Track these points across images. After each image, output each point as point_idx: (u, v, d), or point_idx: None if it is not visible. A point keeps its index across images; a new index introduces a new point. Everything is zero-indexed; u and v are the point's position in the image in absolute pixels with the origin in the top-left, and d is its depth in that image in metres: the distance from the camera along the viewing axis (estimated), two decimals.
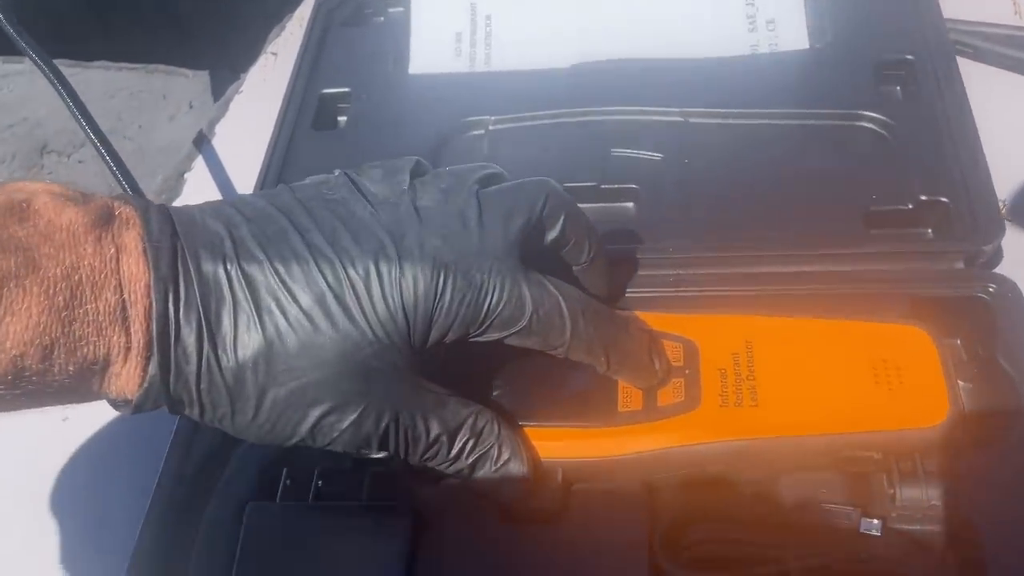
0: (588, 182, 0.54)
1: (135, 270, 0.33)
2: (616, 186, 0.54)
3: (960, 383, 0.42)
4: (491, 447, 0.39)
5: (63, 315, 0.31)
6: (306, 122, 0.61)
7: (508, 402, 0.41)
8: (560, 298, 0.38)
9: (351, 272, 0.35)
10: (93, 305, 0.32)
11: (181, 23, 0.91)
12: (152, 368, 0.33)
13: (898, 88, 0.58)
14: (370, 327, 0.35)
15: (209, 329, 0.34)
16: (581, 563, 0.39)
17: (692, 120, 0.57)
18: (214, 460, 0.45)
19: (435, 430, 0.38)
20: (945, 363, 0.40)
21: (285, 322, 0.34)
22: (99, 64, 0.81)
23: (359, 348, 0.35)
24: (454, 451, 0.38)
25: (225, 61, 0.82)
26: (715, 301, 0.46)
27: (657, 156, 0.55)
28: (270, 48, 0.71)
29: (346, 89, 0.63)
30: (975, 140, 0.52)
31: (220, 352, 0.34)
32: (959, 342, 0.45)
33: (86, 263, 0.32)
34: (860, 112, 0.55)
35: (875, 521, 0.38)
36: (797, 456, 0.39)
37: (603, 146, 0.56)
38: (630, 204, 0.54)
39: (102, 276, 0.32)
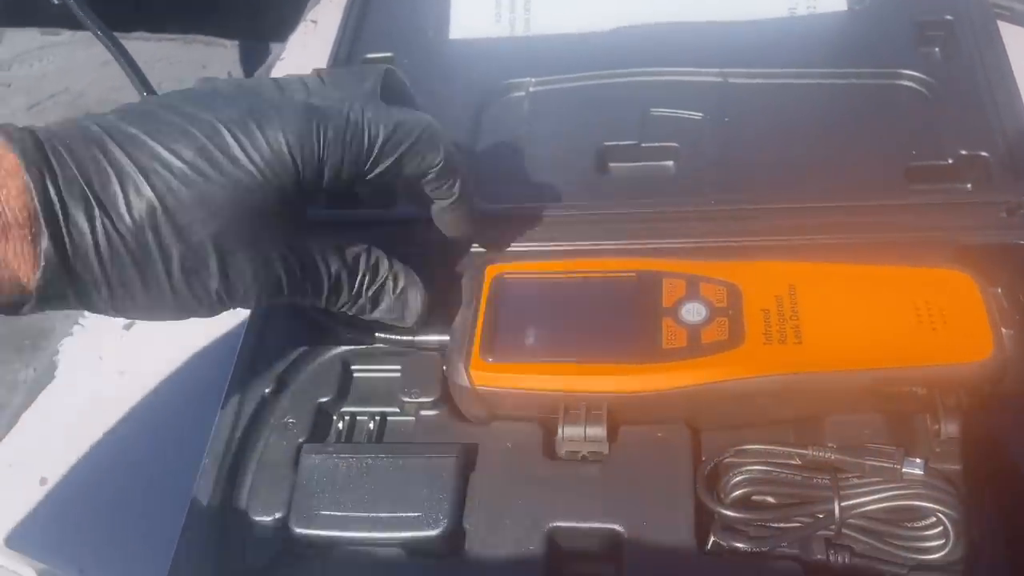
0: (628, 141, 0.55)
1: (4, 164, 0.34)
2: (657, 145, 0.55)
3: (1003, 330, 0.42)
4: (386, 278, 0.43)
5: None
6: None
7: (559, 341, 0.43)
8: (430, 118, 0.41)
9: (229, 124, 0.37)
10: None
11: None
12: (44, 244, 0.34)
13: (937, 49, 0.58)
14: (257, 169, 0.37)
15: (97, 199, 0.35)
16: (626, 500, 0.40)
17: (731, 80, 0.57)
18: (268, 406, 0.46)
19: (334, 265, 0.41)
20: (989, 305, 0.40)
21: (172, 177, 0.36)
22: (138, 35, 0.82)
23: (251, 191, 0.37)
24: (355, 287, 0.42)
25: (260, 31, 0.83)
26: (758, 253, 0.47)
27: (697, 115, 0.56)
28: (309, 16, 0.72)
29: (388, 54, 0.64)
30: (1015, 96, 0.52)
31: (114, 218, 0.35)
32: (1000, 291, 0.45)
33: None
34: (900, 71, 0.56)
35: (918, 460, 0.38)
36: (841, 392, 0.40)
37: (643, 106, 0.57)
38: (670, 162, 0.55)
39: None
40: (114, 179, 0.35)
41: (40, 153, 0.34)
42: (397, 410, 0.46)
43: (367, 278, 0.42)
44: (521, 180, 0.54)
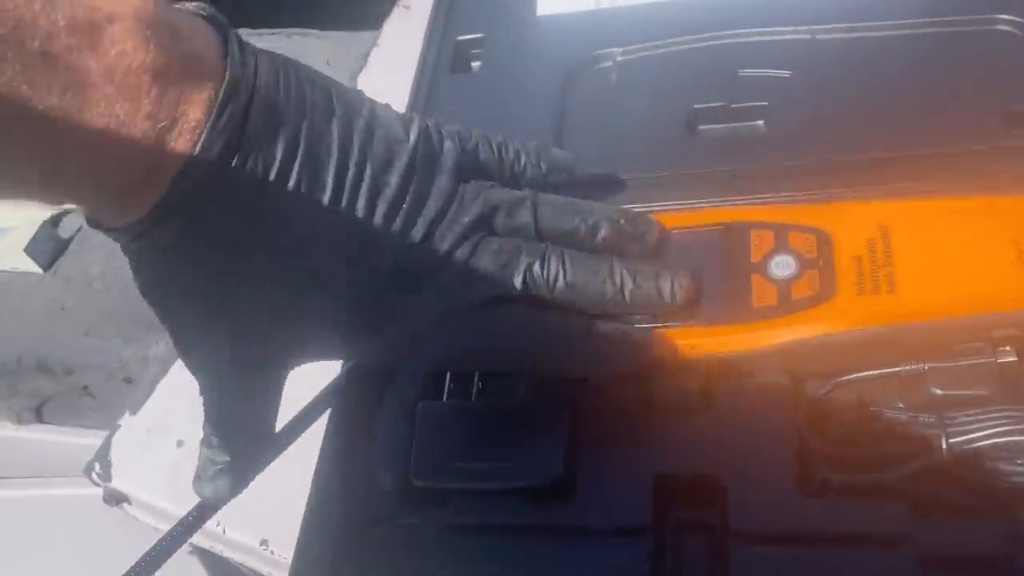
0: (718, 103, 0.56)
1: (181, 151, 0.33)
2: (746, 105, 0.56)
3: None
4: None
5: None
6: (444, 68, 0.64)
7: None
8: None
9: None
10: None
11: None
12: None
13: None
14: None
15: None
16: (728, 447, 0.41)
17: (819, 37, 0.57)
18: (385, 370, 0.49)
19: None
20: None
21: None
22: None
23: None
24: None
25: (355, 20, 0.86)
26: (849, 197, 0.47)
27: (786, 74, 0.56)
28: (402, 3, 0.75)
29: (479, 35, 0.66)
30: None
31: (315, 186, 0.37)
32: None
33: (138, 123, 0.32)
34: (995, 16, 0.55)
35: (1008, 348, 0.39)
36: (939, 341, 0.40)
37: (731, 68, 0.57)
38: (760, 122, 0.56)
39: (148, 144, 0.32)
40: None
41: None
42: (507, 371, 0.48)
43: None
44: (610, 148, 0.56)
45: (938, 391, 0.40)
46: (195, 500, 0.48)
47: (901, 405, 0.41)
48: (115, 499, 0.56)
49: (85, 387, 0.71)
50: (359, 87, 0.71)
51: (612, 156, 0.55)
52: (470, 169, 0.42)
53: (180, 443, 0.55)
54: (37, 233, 0.76)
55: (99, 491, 0.61)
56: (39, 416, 0.76)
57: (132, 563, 0.40)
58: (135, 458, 0.56)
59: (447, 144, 0.42)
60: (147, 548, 0.39)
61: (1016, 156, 0.48)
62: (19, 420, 0.76)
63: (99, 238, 0.79)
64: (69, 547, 0.77)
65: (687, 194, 0.50)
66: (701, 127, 0.56)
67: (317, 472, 0.46)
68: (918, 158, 0.48)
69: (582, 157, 0.53)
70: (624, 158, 0.55)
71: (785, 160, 0.51)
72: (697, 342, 0.43)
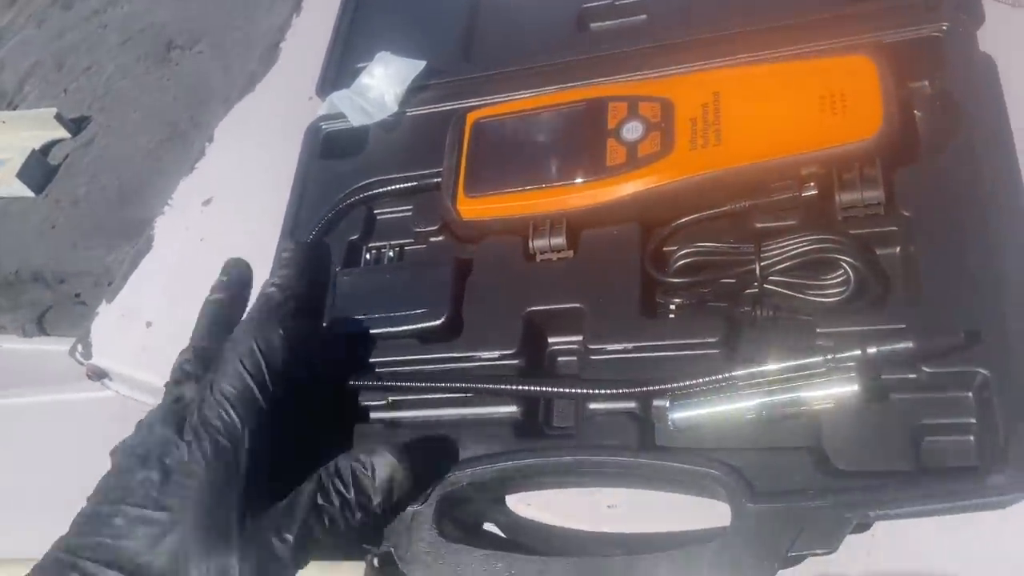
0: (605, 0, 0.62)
1: None
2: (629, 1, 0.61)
3: (917, 113, 0.48)
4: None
5: None
6: None
7: (525, 171, 0.51)
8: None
9: None
10: None
11: None
12: None
13: None
14: None
15: None
16: (587, 284, 0.49)
17: None
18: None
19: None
20: (886, 86, 0.46)
21: None
22: None
23: None
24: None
25: None
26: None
27: None
28: None
29: None
30: None
31: None
32: (927, 83, 0.49)
33: None
34: None
35: (811, 184, 0.46)
36: (758, 181, 0.47)
37: None
38: (643, 16, 0.61)
39: None
40: None
41: None
42: (412, 240, 0.56)
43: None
44: (505, 45, 0.62)
45: (758, 225, 0.48)
46: (164, 370, 0.57)
47: (730, 240, 0.48)
48: (97, 375, 0.65)
49: (77, 295, 0.80)
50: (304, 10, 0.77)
51: (509, 52, 0.61)
52: None
53: (148, 324, 0.64)
54: (28, 161, 0.84)
55: (98, 395, 0.71)
56: (41, 327, 0.85)
57: None
58: (111, 339, 0.65)
59: None
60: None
61: (842, 19, 0.53)
62: (24, 333, 0.85)
63: (85, 163, 0.88)
64: (76, 447, 0.85)
65: (575, 79, 0.57)
66: (592, 25, 0.62)
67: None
68: (768, 30, 0.54)
69: (483, 51, 0.60)
70: (520, 54, 0.61)
71: (653, 42, 0.57)
72: (560, 198, 0.50)
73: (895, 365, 0.42)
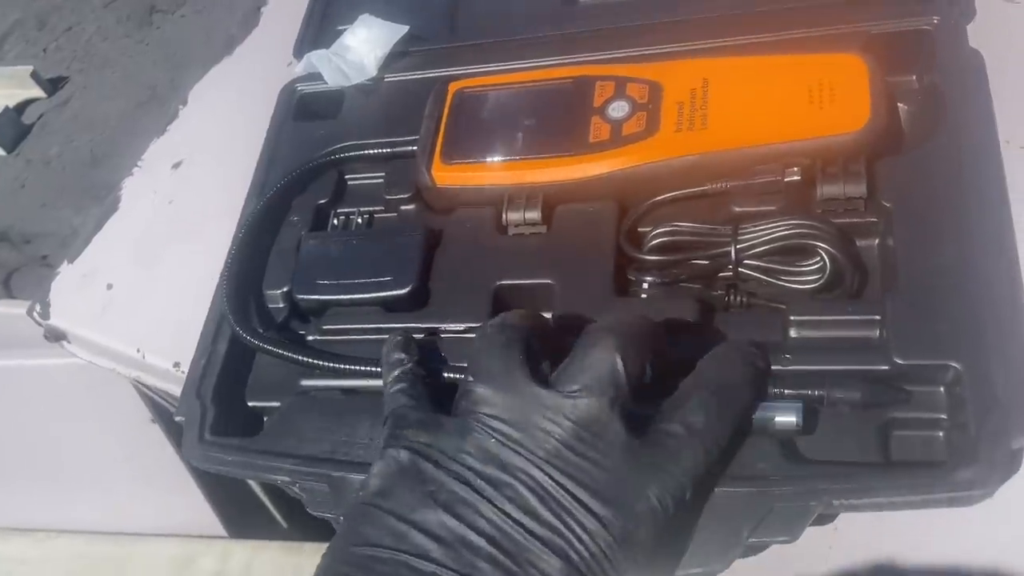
0: None
1: None
2: None
3: (902, 105, 0.48)
4: None
5: None
6: None
7: (505, 143, 0.50)
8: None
9: None
10: None
11: None
12: None
13: None
14: None
15: None
16: (559, 260, 0.48)
17: None
18: (278, 209, 0.55)
19: None
20: (875, 84, 0.46)
21: None
22: None
23: None
24: None
25: None
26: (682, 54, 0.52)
27: None
28: None
29: None
30: None
31: None
32: (914, 77, 0.49)
33: None
34: None
35: (795, 168, 0.45)
36: (740, 166, 0.46)
37: None
38: None
39: None
40: None
41: None
42: (382, 208, 0.55)
43: None
44: (490, 15, 0.61)
45: (736, 208, 0.47)
46: (122, 334, 0.56)
47: (708, 222, 0.47)
48: (54, 336, 0.63)
49: (44, 256, 0.78)
50: None
51: (497, 23, 0.60)
52: None
53: (109, 286, 0.62)
54: (1, 119, 0.82)
55: (65, 361, 0.69)
56: (7, 289, 0.83)
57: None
58: (71, 301, 0.63)
59: None
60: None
61: (831, 8, 0.52)
62: None
63: (60, 123, 0.86)
64: (41, 414, 0.83)
65: (562, 53, 0.56)
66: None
67: (217, 291, 0.53)
68: (757, 15, 0.53)
69: (478, 25, 0.59)
70: (508, 26, 0.59)
71: (641, 22, 0.56)
72: (539, 172, 0.49)
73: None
